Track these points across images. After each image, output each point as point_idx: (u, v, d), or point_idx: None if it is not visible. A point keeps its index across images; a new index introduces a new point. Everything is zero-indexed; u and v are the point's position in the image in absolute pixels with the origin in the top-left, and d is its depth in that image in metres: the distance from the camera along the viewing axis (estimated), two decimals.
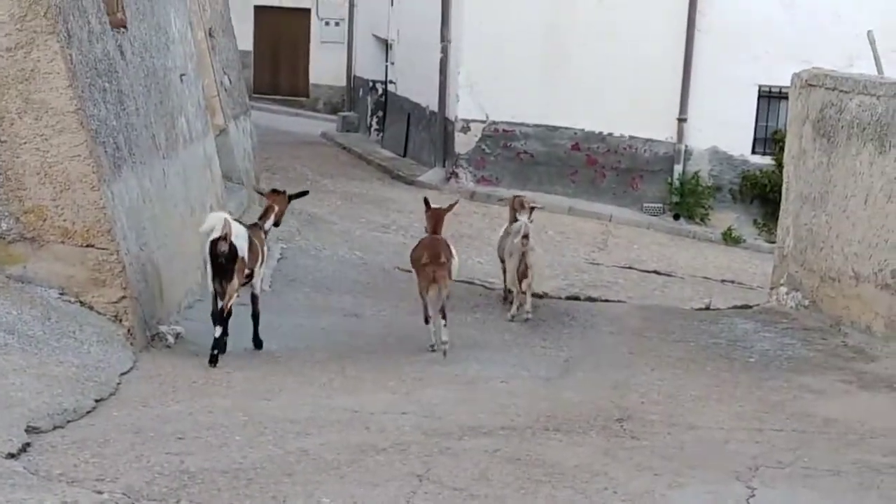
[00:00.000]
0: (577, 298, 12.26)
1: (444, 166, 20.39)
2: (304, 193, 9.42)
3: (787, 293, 11.17)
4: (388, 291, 11.23)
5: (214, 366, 7.41)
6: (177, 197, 9.50)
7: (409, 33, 22.93)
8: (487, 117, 19.82)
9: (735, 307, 12.08)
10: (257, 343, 8.25)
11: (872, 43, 12.18)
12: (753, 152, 19.76)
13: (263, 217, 8.47)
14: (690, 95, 19.45)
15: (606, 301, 12.25)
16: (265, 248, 8.22)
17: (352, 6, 28.12)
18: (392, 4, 24.17)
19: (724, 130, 19.53)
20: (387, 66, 25.08)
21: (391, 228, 15.54)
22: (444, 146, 20.34)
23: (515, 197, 11.39)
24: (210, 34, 13.53)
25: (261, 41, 30.23)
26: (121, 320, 7.38)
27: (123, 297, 7.41)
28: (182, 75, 10.53)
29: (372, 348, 8.72)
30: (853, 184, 9.99)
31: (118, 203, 7.64)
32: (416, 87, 22.28)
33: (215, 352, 7.50)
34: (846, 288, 9.96)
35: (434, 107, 20.81)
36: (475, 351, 8.87)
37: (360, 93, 27.33)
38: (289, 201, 8.72)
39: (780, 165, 14.22)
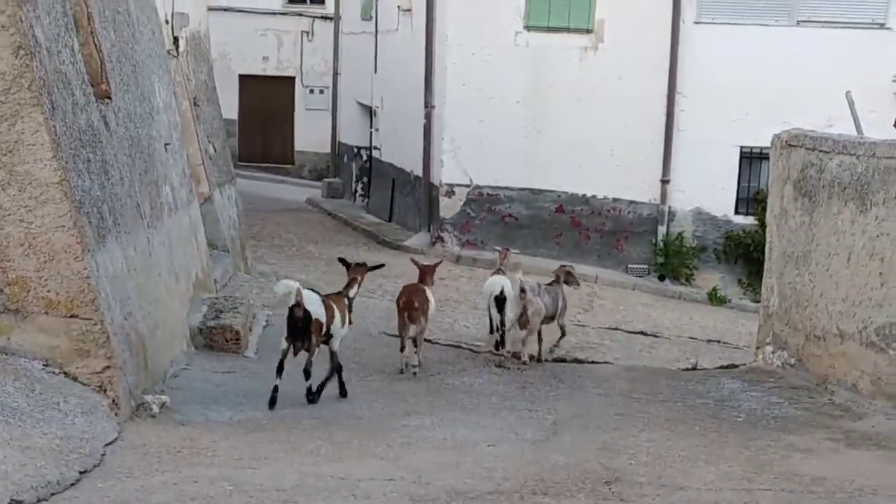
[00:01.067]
0: (563, 360, 12.22)
1: (429, 230, 20.47)
2: (381, 266, 10.42)
3: (772, 352, 11.18)
4: (374, 356, 11.19)
5: (272, 408, 8.52)
6: (161, 266, 9.49)
7: (393, 99, 23.11)
8: (472, 181, 19.94)
9: (722, 367, 12.08)
10: (343, 392, 9.22)
11: (851, 104, 12.31)
12: (736, 212, 19.88)
13: (348, 287, 9.56)
14: (673, 157, 19.62)
15: (593, 363, 12.23)
16: (349, 314, 9.35)
17: (336, 74, 28.36)
18: (376, 71, 24.39)
19: (706, 191, 19.68)
20: (371, 132, 25.26)
21: (377, 294, 15.52)
22: (428, 210, 20.43)
23: (562, 266, 12.38)
24: (195, 103, 13.61)
25: (246, 109, 30.42)
26: (105, 391, 7.33)
27: (108, 367, 7.37)
28: (167, 144, 10.58)
29: (359, 414, 8.67)
30: (835, 242, 10.04)
31: (102, 273, 7.63)
32: (401, 152, 22.43)
33: (275, 395, 8.61)
34: (831, 346, 9.97)
35: (418, 171, 20.93)
36: (462, 414, 8.84)
37: (345, 159, 27.49)
38: (367, 271, 9.86)
39: (762, 225, 14.30)
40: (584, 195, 19.88)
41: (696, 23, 19.38)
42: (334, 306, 9.02)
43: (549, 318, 11.55)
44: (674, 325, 15.40)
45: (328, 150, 29.21)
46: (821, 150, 10.48)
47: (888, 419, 8.76)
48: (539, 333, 11.44)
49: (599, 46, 19.54)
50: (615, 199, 19.87)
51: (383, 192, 23.43)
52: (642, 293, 18.31)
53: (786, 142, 11.18)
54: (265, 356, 10.52)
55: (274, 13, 30.42)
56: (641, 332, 15.00)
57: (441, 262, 11.34)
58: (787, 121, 14.66)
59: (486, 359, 11.73)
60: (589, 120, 19.34)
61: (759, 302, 12.35)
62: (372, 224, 22.58)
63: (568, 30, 19.59)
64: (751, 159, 19.58)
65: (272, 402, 8.55)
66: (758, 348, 11.64)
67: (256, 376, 9.61)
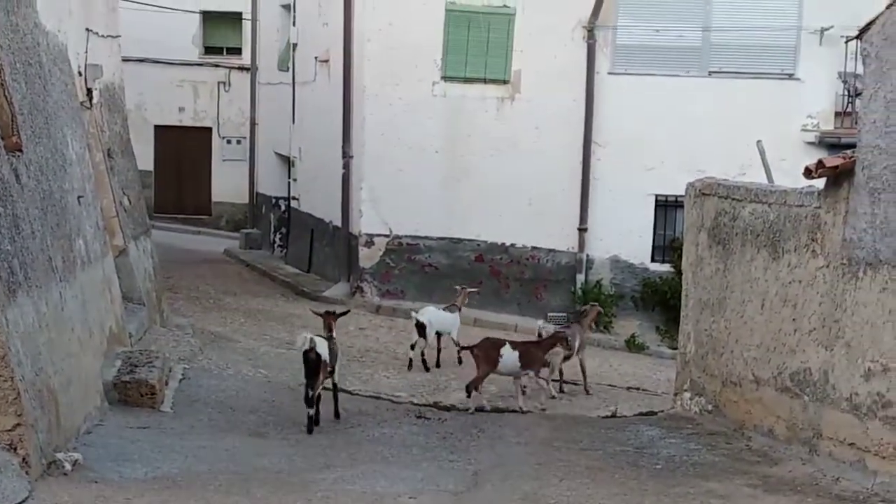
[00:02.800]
0: (483, 410, 12.24)
1: (348, 280, 20.41)
2: (347, 312, 12.10)
3: (690, 398, 11.30)
4: (293, 409, 11.08)
5: (310, 433, 10.10)
6: (74, 320, 9.33)
7: (312, 149, 23.09)
8: (391, 231, 19.94)
9: (641, 414, 12.17)
10: (337, 414, 10.89)
11: (762, 153, 12.58)
12: (653, 260, 20.08)
13: (329, 331, 11.16)
14: (590, 205, 19.79)
15: (514, 412, 12.25)
16: (338, 351, 11.15)
17: (253, 124, 28.27)
18: (294, 122, 24.36)
19: (623, 239, 19.86)
20: (289, 183, 25.18)
21: (294, 345, 15.39)
22: (348, 261, 20.38)
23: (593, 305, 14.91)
24: (109, 155, 13.47)
25: (162, 160, 30.17)
26: (15, 449, 7.16)
27: (18, 425, 7.20)
28: (80, 197, 10.44)
29: (277, 468, 8.58)
30: (749, 289, 10.21)
31: (13, 329, 7.48)
32: (319, 202, 22.37)
33: (311, 424, 10.22)
34: (747, 392, 10.10)
35: (337, 222, 20.89)
36: (383, 466, 8.80)
37: (263, 209, 27.36)
38: (336, 318, 11.30)
39: (679, 272, 14.45)
40: (503, 244, 19.98)
41: (610, 73, 19.64)
42: (334, 348, 10.91)
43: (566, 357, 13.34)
44: (593, 373, 15.41)
45: (246, 200, 29.04)
46: (733, 198, 10.67)
47: (804, 464, 8.89)
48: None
49: (516, 97, 19.72)
50: (534, 248, 19.99)
51: (302, 243, 23.34)
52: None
53: (699, 190, 11.37)
54: (181, 411, 10.38)
55: (190, 64, 30.26)
56: (562, 381, 15.03)
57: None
58: (702, 169, 14.91)
59: (406, 409, 11.71)
60: (507, 169, 19.49)
61: (676, 349, 12.49)
62: (291, 275, 22.45)
63: (485, 80, 19.74)
64: (666, 207, 19.83)
65: (310, 429, 10.17)
66: (676, 395, 11.76)
67: (172, 432, 9.47)
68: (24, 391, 7.34)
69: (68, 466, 7.64)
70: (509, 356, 12.17)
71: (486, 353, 12.23)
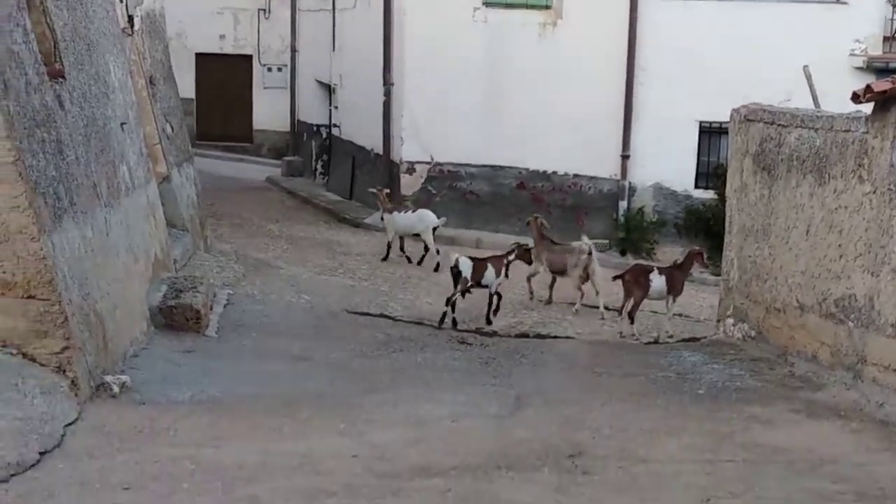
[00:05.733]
0: (526, 336, 12.28)
1: None
2: (515, 251, 13.66)
3: (733, 325, 11.26)
4: (336, 334, 11.17)
5: (439, 328, 12.26)
6: (120, 246, 9.41)
7: (352, 77, 22.99)
8: (432, 159, 19.89)
9: (683, 340, 12.16)
10: (488, 321, 12.99)
11: (809, 78, 12.38)
12: (696, 187, 19.94)
13: (508, 254, 13.49)
14: (633, 132, 19.62)
15: (556, 338, 12.29)
16: (505, 271, 13.32)
17: (294, 52, 28.16)
18: (334, 49, 24.24)
19: (666, 166, 19.69)
20: (330, 110, 25.13)
21: (338, 271, 15.50)
22: (389, 188, 20.35)
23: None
24: (151, 82, 13.48)
25: (203, 88, 30.12)
26: (64, 371, 7.27)
27: (66, 348, 7.30)
28: (123, 124, 10.47)
29: (321, 391, 8.66)
30: (794, 216, 10.11)
31: (59, 253, 7.55)
32: (361, 130, 22.32)
33: (442, 319, 12.46)
34: (791, 318, 10.05)
35: (379, 149, 20.85)
36: (425, 390, 8.85)
37: (305, 137, 27.33)
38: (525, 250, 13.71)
39: (722, 199, 14.34)
40: (545, 171, 19.87)
41: None
42: (489, 265, 13.07)
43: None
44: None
45: (287, 128, 29.02)
46: (779, 124, 10.54)
47: (847, 390, 8.86)
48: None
49: (558, 22, 19.50)
50: (576, 175, 19.88)
51: (343, 170, 23.32)
52: (604, 268, 18.27)
53: (744, 116, 11.24)
54: (226, 335, 10.48)
55: None
56: (605, 307, 15.04)
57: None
58: (746, 95, 14.67)
59: (448, 335, 11.76)
60: (549, 96, 19.31)
61: (719, 275, 12.43)
62: (332, 202, 22.47)
63: (526, 6, 19.52)
64: (710, 134, 19.63)
65: (441, 322, 12.43)
66: (719, 321, 11.73)
67: (217, 355, 9.58)
68: (71, 315, 7.43)
69: (116, 389, 7.75)
70: (658, 281, 12.77)
71: (637, 279, 12.81)
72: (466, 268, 12.86)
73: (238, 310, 11.63)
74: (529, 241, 14.90)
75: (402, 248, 16.95)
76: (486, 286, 13.15)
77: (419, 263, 16.59)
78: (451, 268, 13.02)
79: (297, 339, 10.76)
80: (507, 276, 13.38)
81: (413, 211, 17.14)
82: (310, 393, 8.56)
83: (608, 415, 8.14)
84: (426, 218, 16.81)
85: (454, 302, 12.76)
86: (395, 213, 16.98)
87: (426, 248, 16.68)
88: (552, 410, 8.26)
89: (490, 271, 13.12)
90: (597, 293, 14.42)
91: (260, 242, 17.08)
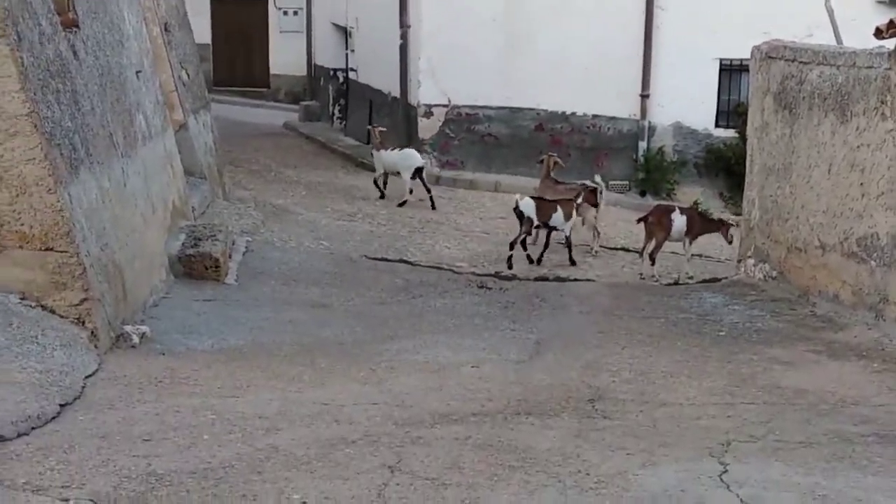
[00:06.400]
0: (545, 279, 12.27)
1: None
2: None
3: (754, 265, 11.21)
4: (355, 281, 11.18)
5: (510, 268, 12.70)
6: (137, 195, 9.40)
7: (368, 20, 22.82)
8: (450, 101, 19.78)
9: (704, 281, 12.13)
10: (572, 261, 13.36)
11: (831, 13, 12.22)
12: (717, 126, 19.83)
13: (577, 196, 13.70)
14: (652, 72, 19.48)
15: (575, 280, 12.27)
16: (574, 213, 13.52)
17: None
18: None
19: (686, 105, 19.57)
20: (347, 54, 24.98)
21: (357, 217, 15.49)
22: (407, 132, 20.27)
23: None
24: (166, 29, 13.39)
25: (218, 33, 30.00)
26: (83, 323, 7.29)
27: (85, 300, 7.31)
28: (138, 72, 10.42)
29: (341, 339, 8.67)
30: (816, 154, 10.01)
31: (76, 205, 7.54)
32: (378, 73, 22.20)
33: (510, 262, 12.81)
34: (813, 258, 9.99)
35: (396, 93, 20.74)
36: (445, 337, 8.85)
37: (322, 81, 27.22)
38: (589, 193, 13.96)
39: (743, 138, 14.24)
40: (563, 112, 19.76)
41: None
42: (558, 207, 13.24)
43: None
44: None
45: (304, 72, 28.91)
46: (801, 62, 10.41)
47: (869, 329, 8.82)
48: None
49: None
50: (595, 116, 19.76)
51: (361, 115, 23.22)
52: (623, 209, 18.26)
53: (765, 53, 11.10)
54: (245, 283, 10.49)
55: None
56: (623, 248, 15.01)
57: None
58: (767, 32, 14.51)
59: (467, 279, 11.74)
60: (567, 35, 19.14)
61: (740, 215, 12.35)
62: (350, 147, 22.40)
63: None
64: (730, 72, 19.46)
65: (509, 265, 12.73)
66: (739, 261, 11.68)
67: (237, 304, 9.60)
68: (89, 266, 7.43)
69: (136, 339, 7.77)
70: (679, 220, 12.70)
71: (660, 219, 12.71)
72: (529, 208, 13.02)
73: (257, 257, 11.64)
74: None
75: (375, 183, 17.21)
76: (555, 228, 13.32)
77: (432, 207, 16.57)
78: (514, 209, 13.12)
79: (316, 286, 10.77)
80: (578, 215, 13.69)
81: (400, 149, 17.21)
82: (329, 341, 8.57)
83: (628, 358, 8.13)
84: (409, 157, 16.87)
85: (524, 242, 13.02)
86: (382, 150, 17.12)
87: (427, 190, 16.77)
88: (572, 354, 8.26)
89: (559, 213, 13.21)
90: (595, 235, 14.43)
91: (278, 189, 17.07)
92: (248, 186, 16.72)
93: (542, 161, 15.41)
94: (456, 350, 8.32)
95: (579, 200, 13.59)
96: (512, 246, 12.92)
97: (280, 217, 14.42)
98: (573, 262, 13.32)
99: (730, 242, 12.78)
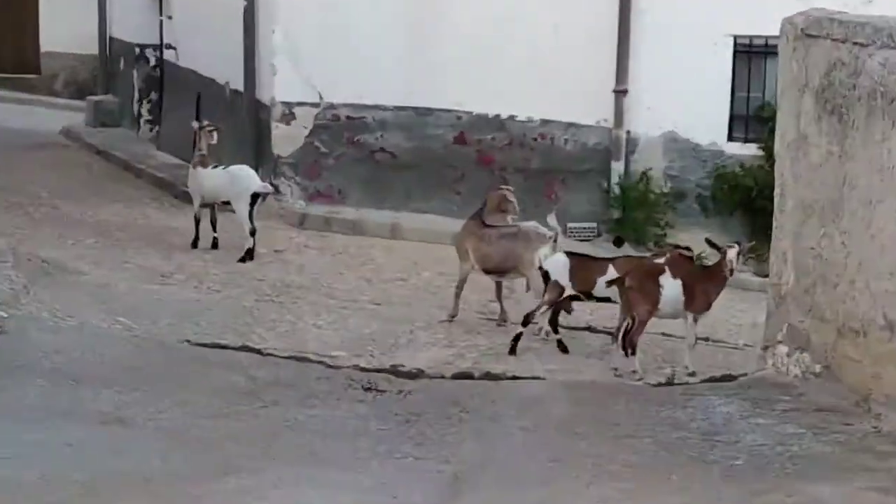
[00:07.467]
0: (470, 376, 12.25)
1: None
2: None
3: (788, 354, 11.32)
4: (171, 380, 11.09)
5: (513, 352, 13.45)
6: None
7: None
8: (321, 98, 19.87)
9: (711, 379, 12.20)
10: (512, 348, 13.62)
11: None
12: (731, 138, 20.10)
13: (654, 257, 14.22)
14: (632, 54, 19.72)
15: (515, 378, 12.26)
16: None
17: None
18: None
19: (685, 106, 19.83)
20: (162, 22, 24.98)
21: (175, 278, 15.43)
22: (255, 144, 20.29)
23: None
24: None
25: None
26: None
27: None
28: None
29: (147, 473, 8.58)
30: (879, 184, 10.15)
31: None
32: (209, 53, 22.25)
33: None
34: (876, 344, 10.10)
35: (238, 83, 20.80)
36: (313, 468, 8.83)
37: (122, 64, 27.26)
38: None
39: (770, 158, 14.43)
40: (496, 116, 19.91)
41: None
42: (609, 268, 13.34)
43: None
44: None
45: (94, 50, 28.86)
46: (856, 42, 10.57)
47: None
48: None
49: None
50: (545, 121, 19.93)
51: (183, 116, 23.16)
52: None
53: (802, 30, 11.28)
54: None
55: None
56: (588, 328, 15.08)
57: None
58: None
59: (347, 377, 11.69)
60: (503, 6, 19.32)
61: (766, 276, 12.49)
62: (165, 167, 22.36)
63: None
64: (750, 56, 19.79)
65: (513, 349, 13.46)
66: (766, 348, 11.78)
67: None
68: None
69: None
70: (671, 287, 12.84)
71: (642, 284, 12.87)
72: (558, 267, 13.24)
73: (16, 342, 11.52)
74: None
75: (205, 222, 17.34)
76: (607, 299, 13.35)
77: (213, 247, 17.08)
78: (538, 267, 13.28)
79: (110, 389, 10.65)
80: None
81: (224, 167, 17.19)
82: (129, 476, 8.47)
83: (596, 501, 8.14)
84: (242, 179, 16.92)
85: (554, 321, 13.34)
86: (200, 168, 17.18)
87: (252, 233, 16.77)
88: (510, 498, 8.24)
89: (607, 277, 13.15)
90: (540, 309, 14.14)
91: (51, 233, 16.96)
92: (4, 230, 16.57)
93: (486, 200, 15.45)
94: (328, 489, 8.30)
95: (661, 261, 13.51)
96: (525, 322, 12.87)
97: (54, 279, 14.31)
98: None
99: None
